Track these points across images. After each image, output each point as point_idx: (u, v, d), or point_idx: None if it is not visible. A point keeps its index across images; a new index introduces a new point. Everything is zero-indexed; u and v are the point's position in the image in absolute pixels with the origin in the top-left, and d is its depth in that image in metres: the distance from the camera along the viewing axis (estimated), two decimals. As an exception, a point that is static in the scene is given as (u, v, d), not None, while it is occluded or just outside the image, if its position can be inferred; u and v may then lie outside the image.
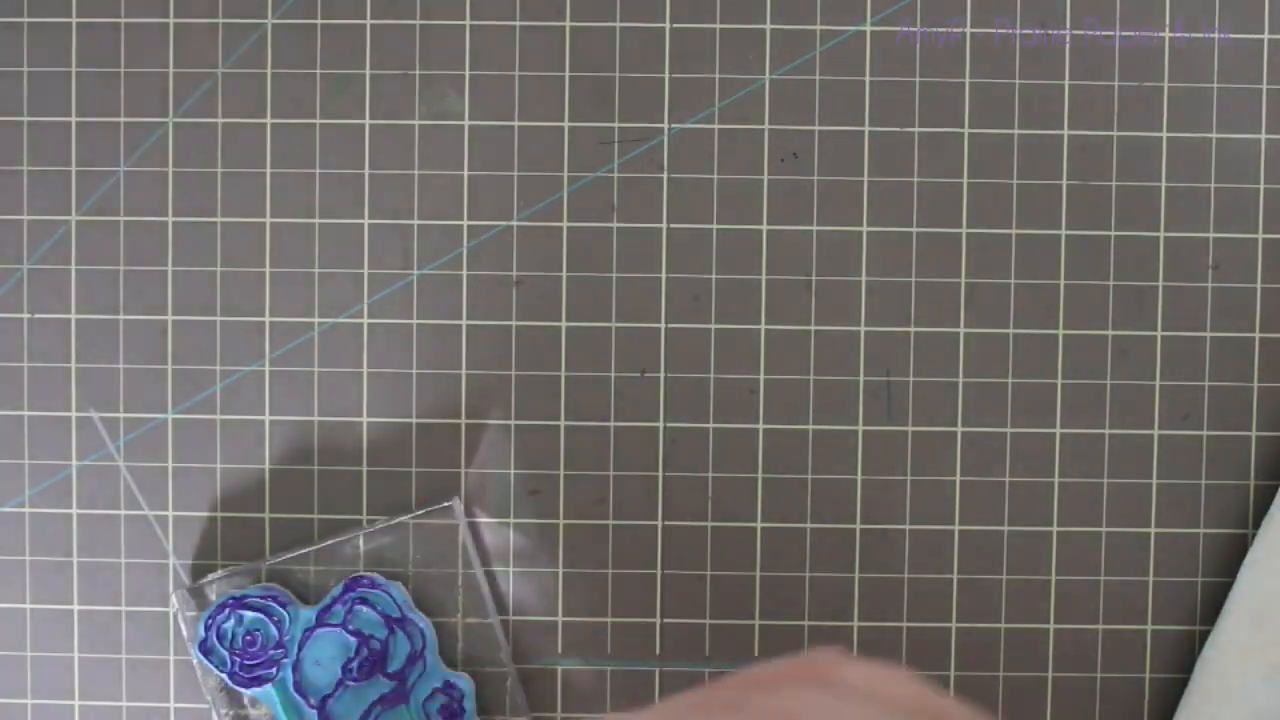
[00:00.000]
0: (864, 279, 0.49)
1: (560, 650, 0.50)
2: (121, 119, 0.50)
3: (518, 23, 0.50)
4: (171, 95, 0.50)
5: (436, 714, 0.48)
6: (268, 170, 0.50)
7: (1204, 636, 0.49)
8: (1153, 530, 0.49)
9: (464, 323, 0.50)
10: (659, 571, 0.50)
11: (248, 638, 0.48)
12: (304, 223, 0.50)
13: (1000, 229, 0.49)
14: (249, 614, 0.48)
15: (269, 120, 0.50)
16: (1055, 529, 0.49)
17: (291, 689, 0.48)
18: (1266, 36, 0.49)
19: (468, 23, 0.50)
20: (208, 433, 0.50)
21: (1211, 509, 0.49)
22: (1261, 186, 0.49)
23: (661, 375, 0.49)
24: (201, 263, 0.50)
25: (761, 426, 0.50)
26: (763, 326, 0.49)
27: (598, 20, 0.50)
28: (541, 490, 0.50)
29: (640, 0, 0.49)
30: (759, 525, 0.50)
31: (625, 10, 0.50)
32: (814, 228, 0.49)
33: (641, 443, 0.50)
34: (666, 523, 0.50)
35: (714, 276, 0.50)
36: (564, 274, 0.50)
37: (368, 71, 0.50)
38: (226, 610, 0.48)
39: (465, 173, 0.50)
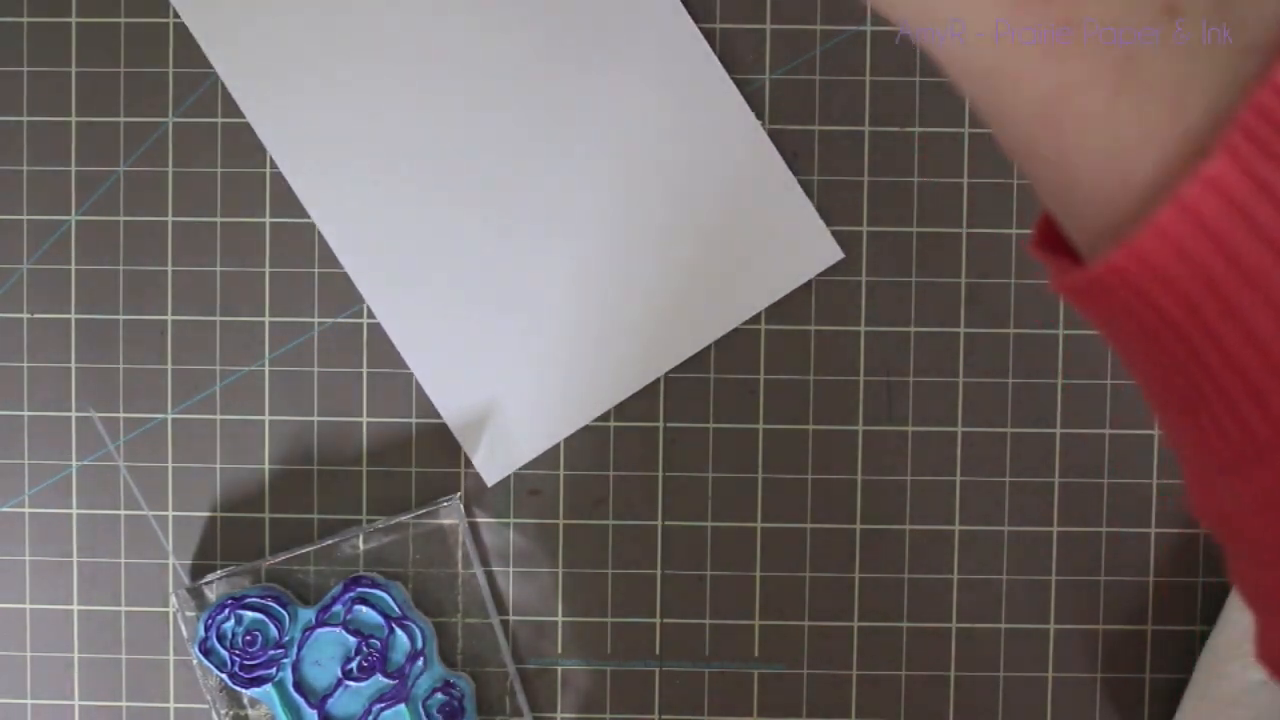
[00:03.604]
0: (864, 279, 0.49)
1: (560, 650, 0.50)
2: (121, 119, 0.50)
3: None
4: (171, 95, 0.50)
5: (436, 713, 0.48)
6: (268, 170, 0.50)
7: (1204, 636, 0.49)
8: (1153, 530, 0.49)
9: (464, 323, 0.50)
10: (659, 571, 0.50)
11: (248, 638, 0.48)
12: (304, 223, 0.50)
13: (1000, 229, 0.49)
14: (249, 614, 0.48)
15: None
16: (1055, 529, 0.49)
17: (291, 689, 0.48)
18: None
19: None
20: (208, 433, 0.50)
21: (1211, 509, 0.49)
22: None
23: (661, 375, 0.49)
24: (201, 263, 0.50)
25: (761, 426, 0.50)
26: (763, 327, 0.49)
27: (598, 20, 0.50)
28: (541, 490, 0.50)
29: (640, 0, 0.49)
30: (759, 525, 0.50)
31: (625, 10, 0.50)
32: (814, 228, 0.49)
33: (641, 443, 0.50)
34: (666, 523, 0.50)
35: (714, 276, 0.50)
36: (564, 274, 0.50)
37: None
38: (226, 610, 0.48)
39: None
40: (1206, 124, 0.22)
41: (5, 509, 0.50)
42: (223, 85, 0.49)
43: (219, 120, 0.50)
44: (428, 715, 0.48)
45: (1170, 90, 0.22)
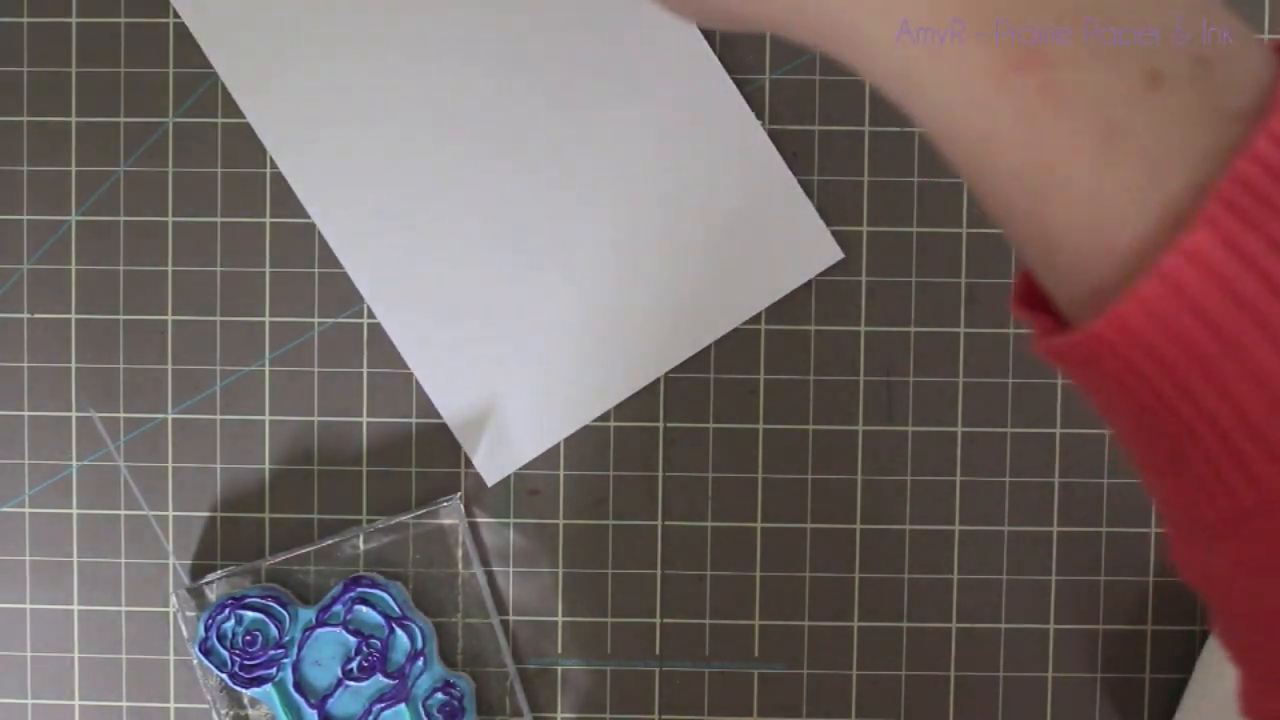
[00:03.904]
0: (864, 279, 0.49)
1: (560, 650, 0.50)
2: (121, 119, 0.50)
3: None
4: (171, 95, 0.50)
5: (436, 713, 0.48)
6: (268, 170, 0.50)
7: (1204, 636, 0.49)
8: (1153, 530, 0.49)
9: (464, 323, 0.50)
10: (659, 571, 0.50)
11: (248, 638, 0.48)
12: (304, 223, 0.50)
13: (1000, 229, 0.49)
14: (249, 614, 0.48)
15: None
16: (1055, 529, 0.49)
17: (291, 689, 0.48)
18: (1267, 37, 0.49)
19: (468, 23, 0.50)
20: (208, 433, 0.50)
21: (1211, 509, 0.49)
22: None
23: (661, 375, 0.49)
24: (201, 263, 0.50)
25: (761, 426, 0.50)
26: (763, 327, 0.49)
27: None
28: (541, 490, 0.50)
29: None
30: (759, 525, 0.50)
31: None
32: (814, 228, 0.49)
33: (641, 443, 0.50)
34: (666, 523, 0.50)
35: (714, 276, 0.50)
36: (564, 274, 0.50)
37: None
38: (226, 610, 0.48)
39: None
40: (1189, 192, 0.22)
41: (5, 509, 0.50)
42: (223, 85, 0.49)
43: (219, 120, 0.50)
44: (428, 715, 0.48)
45: (1153, 159, 0.22)
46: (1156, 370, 0.23)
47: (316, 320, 0.50)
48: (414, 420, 0.50)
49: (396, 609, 0.48)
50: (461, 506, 0.49)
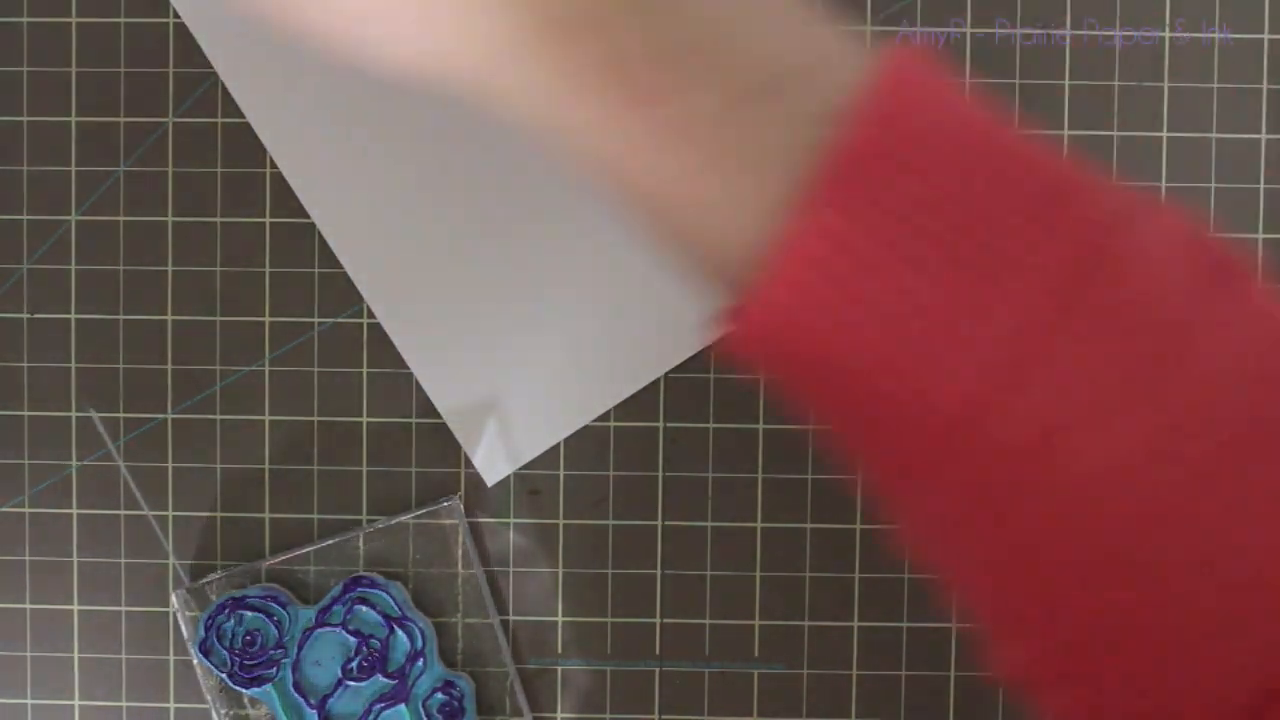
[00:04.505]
0: (864, 279, 0.49)
1: (560, 650, 0.50)
2: (121, 119, 0.50)
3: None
4: (171, 95, 0.50)
5: (436, 713, 0.48)
6: (268, 170, 0.50)
7: (1204, 636, 0.49)
8: (1153, 530, 0.49)
9: (464, 323, 0.50)
10: (659, 571, 0.50)
11: (248, 638, 0.48)
12: (304, 223, 0.50)
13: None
14: (249, 614, 0.48)
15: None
16: (1055, 529, 0.49)
17: (291, 689, 0.48)
18: (1267, 36, 0.49)
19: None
20: (208, 433, 0.50)
21: (1212, 509, 0.49)
22: (1261, 186, 0.49)
23: (661, 375, 0.49)
24: (201, 263, 0.50)
25: (761, 426, 0.50)
26: (763, 326, 0.49)
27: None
28: (541, 490, 0.50)
29: None
30: (759, 525, 0.50)
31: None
32: (814, 228, 0.49)
33: (641, 443, 0.50)
34: (666, 523, 0.50)
35: (714, 276, 0.50)
36: (564, 274, 0.50)
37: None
38: (226, 610, 0.48)
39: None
40: (789, 190, 0.24)
41: (5, 509, 0.50)
42: (223, 85, 0.49)
43: (219, 120, 0.50)
44: (428, 715, 0.48)
45: (749, 166, 0.25)
46: (789, 353, 0.25)
47: (316, 320, 0.50)
48: (414, 420, 0.50)
49: (396, 609, 0.48)
50: (461, 506, 0.49)
